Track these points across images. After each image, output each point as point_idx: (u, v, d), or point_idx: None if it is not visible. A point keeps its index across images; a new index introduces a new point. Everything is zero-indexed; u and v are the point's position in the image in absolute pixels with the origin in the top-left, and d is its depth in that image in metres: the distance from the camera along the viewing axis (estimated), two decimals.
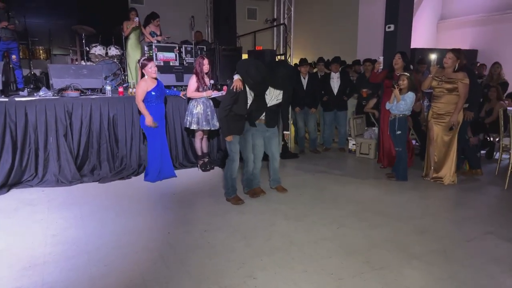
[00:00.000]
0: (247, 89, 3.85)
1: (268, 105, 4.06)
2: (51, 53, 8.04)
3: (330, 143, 6.99)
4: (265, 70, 3.76)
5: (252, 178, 4.34)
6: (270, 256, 2.91)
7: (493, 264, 2.79)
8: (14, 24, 6.05)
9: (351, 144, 6.68)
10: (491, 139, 6.34)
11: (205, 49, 7.57)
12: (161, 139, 4.79)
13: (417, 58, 8.18)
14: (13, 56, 6.12)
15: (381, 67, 5.30)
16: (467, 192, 4.48)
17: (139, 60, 4.67)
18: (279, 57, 6.89)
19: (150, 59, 4.60)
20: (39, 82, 7.16)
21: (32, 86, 6.79)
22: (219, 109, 3.98)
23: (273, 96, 4.03)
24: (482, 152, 6.16)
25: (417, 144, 6.53)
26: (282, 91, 4.03)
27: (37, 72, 7.98)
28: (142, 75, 4.79)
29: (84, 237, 3.22)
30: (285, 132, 4.52)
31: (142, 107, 4.51)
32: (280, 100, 4.10)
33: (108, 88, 5.16)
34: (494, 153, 6.11)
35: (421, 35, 10.33)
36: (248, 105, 3.92)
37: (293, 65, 7.15)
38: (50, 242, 3.13)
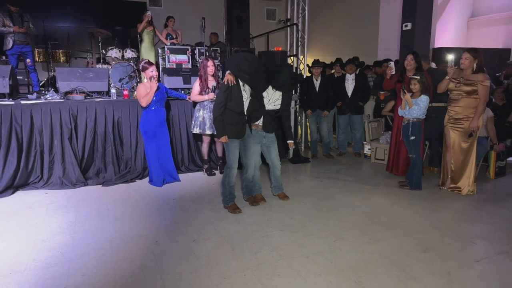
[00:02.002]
0: (241, 85, 3.67)
1: (266, 109, 3.90)
2: (70, 56, 8.21)
3: (345, 148, 6.70)
4: (256, 60, 3.61)
5: (252, 185, 4.18)
6: (254, 271, 2.74)
7: None
8: (28, 27, 6.17)
9: (367, 149, 6.37)
10: None
11: (219, 51, 7.51)
12: (160, 143, 4.72)
13: (444, 58, 7.72)
14: (28, 60, 6.26)
15: (393, 72, 4.98)
16: (486, 204, 4.10)
17: (139, 63, 4.62)
18: (291, 58, 6.68)
19: (151, 63, 4.53)
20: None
21: (51, 88, 6.96)
22: (213, 109, 3.77)
23: (271, 100, 3.86)
24: (510, 159, 5.70)
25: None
26: (280, 97, 3.87)
27: None
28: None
29: (71, 244, 3.17)
30: (288, 141, 4.30)
31: (150, 96, 4.42)
32: (278, 107, 3.91)
33: (113, 91, 5.15)
34: None
35: (450, 34, 9.79)
36: (246, 105, 3.75)
37: (306, 65, 6.92)
38: (37, 248, 3.10)
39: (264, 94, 3.86)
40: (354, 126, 6.52)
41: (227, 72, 3.67)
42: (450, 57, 4.38)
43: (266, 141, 4.03)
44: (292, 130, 6.13)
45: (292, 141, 4.31)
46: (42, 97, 5.02)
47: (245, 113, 3.78)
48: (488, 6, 9.53)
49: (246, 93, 3.72)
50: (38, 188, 4.64)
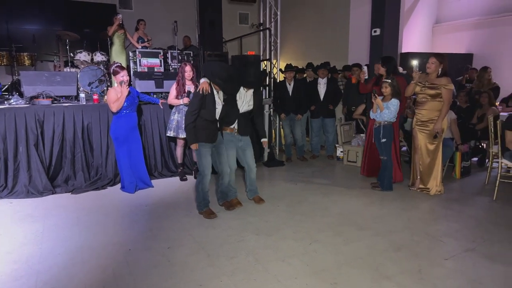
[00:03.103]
0: (215, 93, 3.70)
1: (240, 111, 3.92)
2: (36, 60, 7.89)
3: (318, 151, 6.79)
4: (230, 68, 3.70)
5: (227, 190, 4.16)
6: (231, 276, 2.72)
7: (468, 287, 2.58)
8: None
9: (339, 152, 6.49)
10: (484, 146, 6.13)
11: (191, 55, 7.44)
12: (132, 148, 4.62)
13: (410, 62, 7.99)
14: None
15: (366, 76, 5.10)
16: (453, 203, 4.26)
17: (110, 66, 4.52)
18: (264, 62, 6.73)
19: (122, 67, 4.44)
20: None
21: (15, 93, 6.66)
22: (186, 115, 3.77)
23: (244, 101, 3.90)
24: (474, 159, 5.96)
25: (407, 150, 6.34)
26: (252, 97, 3.92)
27: None
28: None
29: (38, 255, 3.04)
30: (262, 140, 4.32)
31: (120, 100, 4.31)
32: (251, 107, 3.94)
33: (82, 95, 5.00)
34: (486, 161, 5.90)
35: (416, 39, 10.15)
36: (219, 112, 3.76)
37: (279, 69, 7.00)
38: (2, 261, 2.96)
39: (237, 96, 3.88)
40: (326, 129, 6.63)
41: (202, 80, 3.69)
42: (415, 62, 4.53)
43: (242, 144, 4.04)
44: (267, 132, 6.21)
45: (266, 140, 4.27)
46: (5, 102, 4.80)
47: (217, 120, 3.80)
48: (452, 12, 9.96)
49: (220, 100, 3.75)
50: (2, 198, 4.42)
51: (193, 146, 3.72)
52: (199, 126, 3.69)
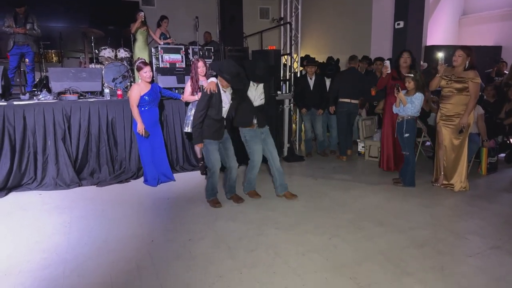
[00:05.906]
0: (222, 92, 3.79)
1: (254, 106, 4.02)
2: (63, 56, 8.14)
3: (335, 146, 6.73)
4: (239, 66, 3.77)
5: (250, 182, 4.26)
6: (251, 269, 2.75)
7: (493, 285, 2.52)
8: (29, 29, 6.19)
9: (360, 147, 6.41)
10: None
11: (212, 50, 7.49)
12: (154, 143, 4.71)
13: (435, 55, 7.78)
14: (26, 60, 6.26)
15: (388, 71, 5.01)
16: (478, 200, 4.15)
17: (135, 62, 4.62)
18: (285, 56, 6.70)
19: (146, 63, 4.52)
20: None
21: (44, 89, 6.90)
22: (194, 114, 3.89)
23: (256, 96, 3.99)
24: (501, 155, 5.77)
25: (430, 145, 6.20)
26: (263, 91, 4.01)
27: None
28: None
29: (66, 245, 3.16)
30: None
31: (135, 112, 4.45)
32: (263, 101, 4.04)
33: (107, 91, 5.13)
34: None
35: (442, 32, 9.87)
36: (226, 110, 3.85)
37: (302, 57, 6.96)
38: (31, 249, 3.09)
39: (249, 93, 3.96)
40: (331, 125, 6.50)
41: (209, 80, 3.79)
42: (440, 55, 4.41)
43: (264, 135, 4.13)
44: (286, 127, 6.23)
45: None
46: (34, 97, 4.99)
47: (224, 118, 3.90)
48: (479, 4, 9.62)
49: (227, 99, 3.84)
50: (32, 189, 4.61)
51: (198, 145, 3.86)
52: (206, 124, 3.82)
